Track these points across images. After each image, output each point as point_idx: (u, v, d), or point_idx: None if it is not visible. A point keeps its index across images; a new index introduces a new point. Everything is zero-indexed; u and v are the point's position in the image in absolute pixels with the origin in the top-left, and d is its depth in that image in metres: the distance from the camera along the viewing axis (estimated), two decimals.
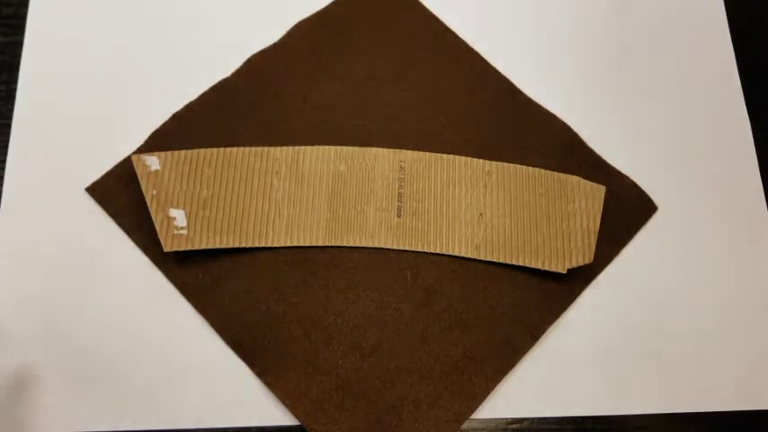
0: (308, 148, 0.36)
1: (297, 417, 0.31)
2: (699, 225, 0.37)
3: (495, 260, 0.34)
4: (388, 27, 0.39)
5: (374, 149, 0.36)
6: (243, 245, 0.34)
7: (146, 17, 0.39)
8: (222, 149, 0.35)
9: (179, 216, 0.33)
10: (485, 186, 0.35)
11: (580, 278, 0.35)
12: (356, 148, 0.36)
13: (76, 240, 0.34)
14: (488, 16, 0.40)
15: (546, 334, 0.34)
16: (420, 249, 0.34)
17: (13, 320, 0.33)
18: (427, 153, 0.36)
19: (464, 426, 0.32)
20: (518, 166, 0.36)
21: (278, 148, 0.35)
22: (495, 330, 0.33)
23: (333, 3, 0.40)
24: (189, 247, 0.33)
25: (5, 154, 0.36)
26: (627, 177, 0.37)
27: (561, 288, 0.34)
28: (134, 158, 0.34)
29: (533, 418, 0.33)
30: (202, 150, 0.34)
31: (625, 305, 0.35)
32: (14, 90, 0.37)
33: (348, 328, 0.33)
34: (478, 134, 0.37)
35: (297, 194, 0.35)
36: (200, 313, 0.33)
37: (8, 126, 0.36)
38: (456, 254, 0.34)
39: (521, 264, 0.34)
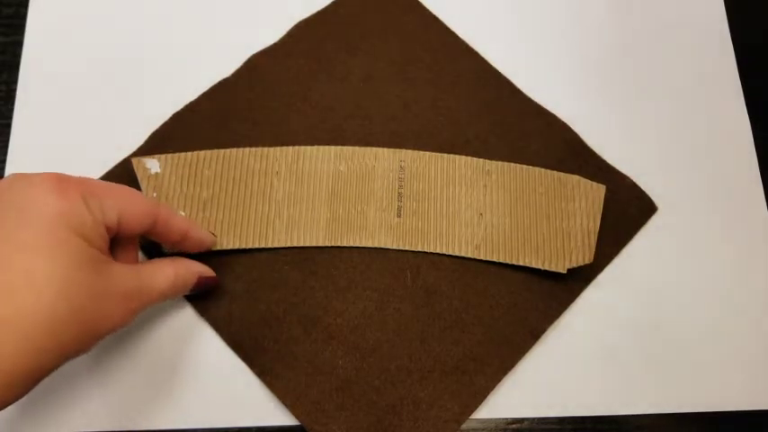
0: (308, 148, 0.36)
1: (297, 417, 0.31)
2: (699, 225, 0.37)
3: (495, 260, 0.34)
4: (388, 27, 0.39)
5: (374, 149, 0.36)
6: (243, 245, 0.34)
7: (146, 17, 0.39)
8: (222, 150, 0.35)
9: None
10: (485, 186, 0.35)
11: (580, 278, 0.35)
12: (356, 148, 0.36)
13: None
14: (489, 17, 0.40)
15: (546, 334, 0.34)
16: (420, 249, 0.34)
17: None
18: (427, 153, 0.36)
19: (464, 426, 0.32)
20: (518, 165, 0.36)
21: (278, 148, 0.35)
22: (495, 330, 0.33)
23: (333, 3, 0.40)
24: None
25: (5, 154, 0.36)
26: (627, 177, 0.37)
27: (561, 288, 0.34)
28: (134, 161, 0.34)
29: (533, 418, 0.33)
30: (202, 152, 0.34)
31: (625, 305, 0.35)
32: (14, 90, 0.37)
33: (348, 328, 0.33)
34: (478, 134, 0.37)
35: (297, 195, 0.35)
36: (200, 313, 0.33)
37: (8, 126, 0.36)
38: (456, 254, 0.34)
39: (521, 264, 0.34)
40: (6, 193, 0.25)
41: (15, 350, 0.22)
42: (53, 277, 0.23)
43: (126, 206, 0.27)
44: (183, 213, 0.33)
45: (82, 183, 0.26)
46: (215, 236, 0.33)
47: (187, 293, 0.31)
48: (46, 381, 0.32)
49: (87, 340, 0.25)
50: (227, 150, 0.35)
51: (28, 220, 0.24)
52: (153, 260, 0.30)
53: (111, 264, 0.26)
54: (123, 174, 0.35)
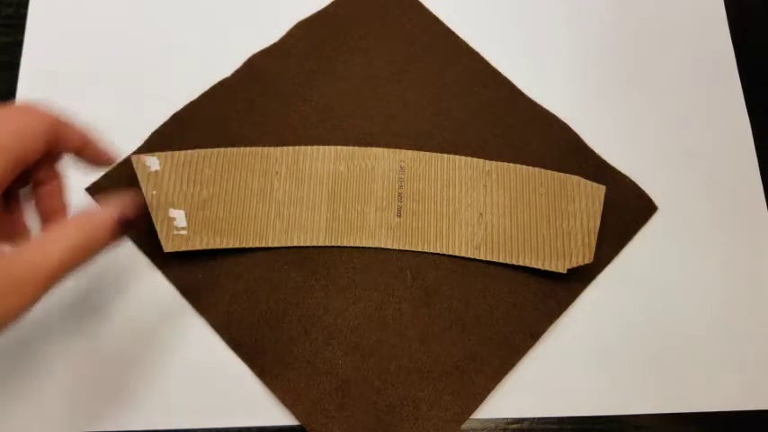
0: (308, 148, 0.36)
1: (297, 417, 0.31)
2: (699, 225, 0.37)
3: (495, 260, 0.34)
4: (388, 27, 0.39)
5: (374, 149, 0.36)
6: (243, 245, 0.34)
7: (146, 17, 0.39)
8: (222, 150, 0.35)
9: (179, 216, 0.33)
10: (485, 186, 0.35)
11: (580, 278, 0.35)
12: (356, 148, 0.36)
13: None
14: (488, 17, 0.40)
15: (546, 334, 0.34)
16: (420, 249, 0.34)
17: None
18: (427, 153, 0.36)
19: (464, 426, 0.32)
20: (518, 165, 0.36)
21: (278, 148, 0.35)
22: (495, 330, 0.33)
23: (333, 3, 0.40)
24: (189, 248, 0.33)
25: None
26: (627, 177, 0.37)
27: (561, 288, 0.34)
28: (134, 159, 0.34)
29: (533, 418, 0.33)
30: (202, 150, 0.34)
31: (625, 305, 0.35)
32: (14, 90, 0.37)
33: (348, 328, 0.33)
34: (478, 134, 0.37)
35: (297, 195, 0.35)
36: (200, 313, 0.33)
37: None
38: (456, 254, 0.34)
39: (521, 264, 0.34)
40: None
41: None
42: None
43: None
44: (182, 212, 0.33)
45: None
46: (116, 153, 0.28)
47: (114, 241, 0.25)
48: (46, 381, 0.32)
49: None
50: (228, 149, 0.35)
51: None
52: (43, 232, 0.24)
53: None
54: (123, 173, 0.35)
